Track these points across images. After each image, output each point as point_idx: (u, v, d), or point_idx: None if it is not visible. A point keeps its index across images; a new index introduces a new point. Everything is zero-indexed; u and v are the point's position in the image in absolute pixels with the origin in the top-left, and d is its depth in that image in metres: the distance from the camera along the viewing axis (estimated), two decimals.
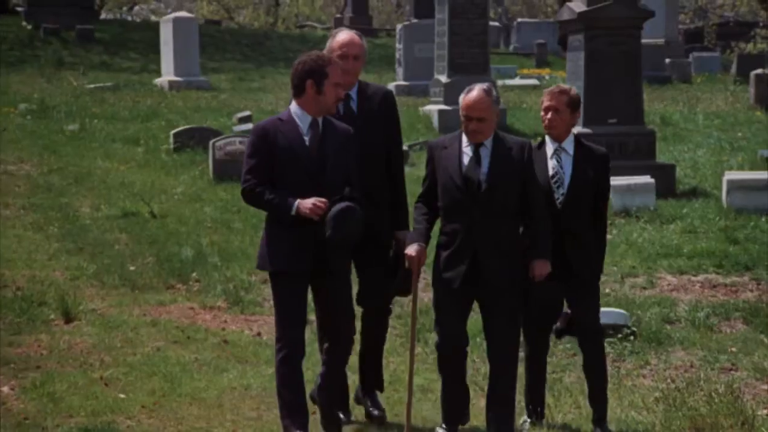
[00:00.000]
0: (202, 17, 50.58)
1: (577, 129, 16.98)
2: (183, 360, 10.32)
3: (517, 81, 32.01)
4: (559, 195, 8.64)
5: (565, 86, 8.85)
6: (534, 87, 30.73)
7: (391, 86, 24.16)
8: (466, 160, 8.24)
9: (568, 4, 18.01)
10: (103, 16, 47.25)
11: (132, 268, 13.05)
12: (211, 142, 18.02)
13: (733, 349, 10.98)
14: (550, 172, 8.66)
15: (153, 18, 51.61)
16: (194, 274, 12.89)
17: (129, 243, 14.17)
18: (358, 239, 8.01)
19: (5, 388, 9.48)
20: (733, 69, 32.24)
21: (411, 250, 8.24)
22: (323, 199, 7.86)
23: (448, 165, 8.26)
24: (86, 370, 9.98)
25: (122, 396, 9.36)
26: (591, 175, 8.70)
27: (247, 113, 22.93)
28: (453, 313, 8.29)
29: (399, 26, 31.17)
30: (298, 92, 8.11)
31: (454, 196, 8.20)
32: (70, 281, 12.54)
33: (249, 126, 21.19)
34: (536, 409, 8.86)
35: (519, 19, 48.02)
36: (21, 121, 22.16)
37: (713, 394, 9.63)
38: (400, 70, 29.05)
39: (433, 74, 23.99)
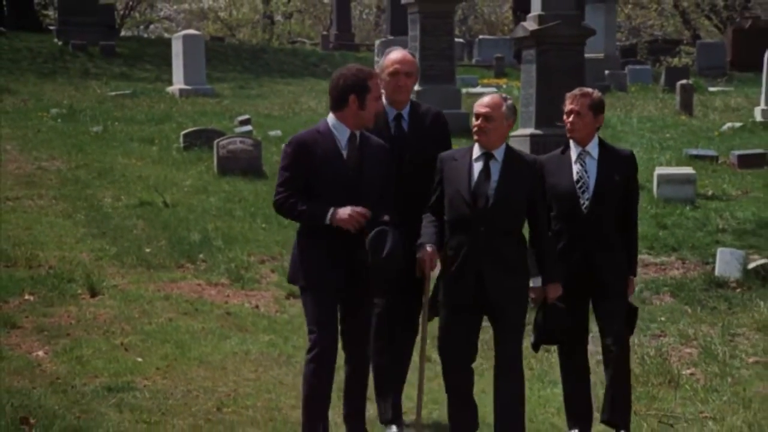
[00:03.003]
0: (208, 34, 50.40)
1: (530, 131, 17.03)
2: (191, 329, 10.33)
3: (478, 89, 31.91)
4: (585, 200, 7.49)
5: (588, 89, 7.65)
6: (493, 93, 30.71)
7: None
8: (475, 173, 7.13)
9: (522, 23, 18.02)
10: (123, 33, 47.07)
11: (147, 249, 13.03)
12: (215, 142, 17.99)
13: (662, 319, 11.04)
14: (575, 177, 7.53)
15: (166, 35, 51.43)
16: (201, 255, 12.88)
17: (145, 228, 14.15)
18: (401, 261, 6.96)
19: (40, 353, 9.48)
20: (662, 80, 32.26)
21: (421, 253, 7.14)
22: (360, 209, 6.90)
23: (457, 178, 7.15)
24: (109, 337, 9.98)
25: (139, 359, 9.37)
26: (616, 179, 7.53)
27: (246, 117, 22.90)
28: (460, 331, 7.19)
29: (377, 42, 31.20)
30: (339, 106, 7.07)
31: (461, 210, 7.10)
32: (95, 261, 12.52)
33: (248, 128, 21.18)
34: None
35: (480, 36, 47.95)
36: (53, 124, 22.09)
37: (645, 356, 9.71)
38: None
39: None
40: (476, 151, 7.19)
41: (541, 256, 7.27)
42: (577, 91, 7.65)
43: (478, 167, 7.14)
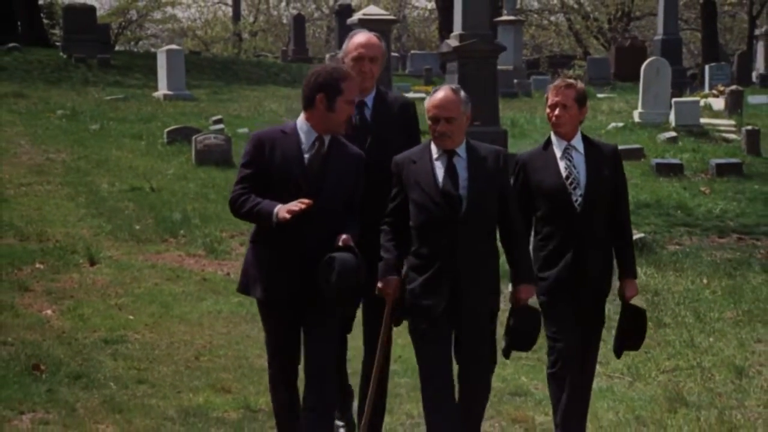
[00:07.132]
0: (187, 49, 49.92)
1: None
2: (174, 292, 10.30)
3: (411, 95, 31.98)
4: (577, 197, 5.82)
5: (571, 80, 5.99)
6: (422, 99, 30.65)
7: None
8: (440, 173, 5.41)
9: (446, 41, 18.09)
10: (117, 48, 46.70)
11: (137, 227, 12.95)
12: (193, 138, 17.90)
13: None
14: (564, 174, 5.86)
15: (152, 49, 50.86)
16: (182, 231, 12.82)
17: (135, 209, 14.06)
18: (355, 284, 5.21)
19: (49, 311, 9.43)
20: None
21: (384, 284, 5.48)
22: (303, 201, 5.12)
23: (421, 181, 5.40)
24: (105, 299, 9.93)
25: (131, 317, 9.34)
26: (606, 173, 5.90)
27: (219, 117, 22.76)
28: (438, 344, 5.41)
29: (327, 56, 31.05)
30: (308, 105, 5.39)
31: (433, 214, 5.37)
32: (94, 236, 12.43)
33: (221, 126, 21.04)
34: None
35: (412, 51, 47.98)
36: (58, 123, 21.86)
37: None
38: None
39: None
40: (435, 149, 5.51)
41: (516, 256, 5.61)
42: (560, 82, 6.01)
43: (440, 166, 5.47)
